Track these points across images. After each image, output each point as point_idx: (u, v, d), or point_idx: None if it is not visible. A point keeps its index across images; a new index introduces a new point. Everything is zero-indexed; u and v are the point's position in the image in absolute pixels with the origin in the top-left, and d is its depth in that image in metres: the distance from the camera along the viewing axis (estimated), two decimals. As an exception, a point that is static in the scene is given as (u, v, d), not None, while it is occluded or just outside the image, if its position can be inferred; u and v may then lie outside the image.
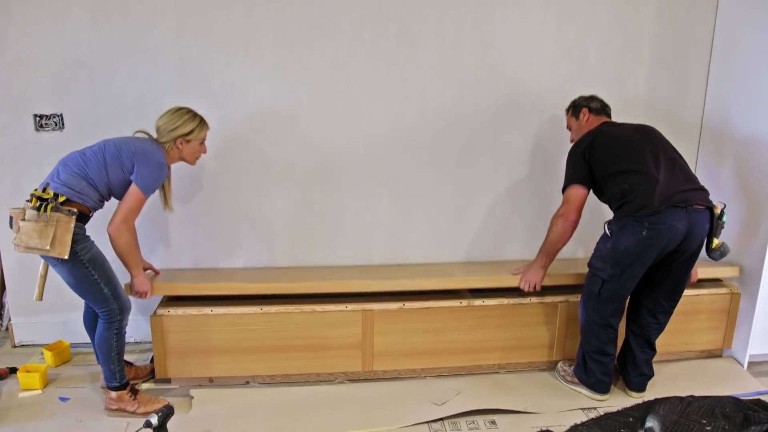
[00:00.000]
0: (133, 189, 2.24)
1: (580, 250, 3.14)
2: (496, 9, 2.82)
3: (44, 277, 2.26)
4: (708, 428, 1.92)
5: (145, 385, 2.60)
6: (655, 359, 2.60)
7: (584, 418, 2.37)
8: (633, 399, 2.55)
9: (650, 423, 1.98)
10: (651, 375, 2.60)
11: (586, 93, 2.97)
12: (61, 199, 2.14)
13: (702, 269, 2.74)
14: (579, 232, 2.54)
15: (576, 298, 2.67)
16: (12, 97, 2.65)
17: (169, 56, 2.69)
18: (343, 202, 2.96)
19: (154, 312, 2.51)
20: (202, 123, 2.38)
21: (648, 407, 2.06)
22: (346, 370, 2.65)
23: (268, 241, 2.96)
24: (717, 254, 2.38)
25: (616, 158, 2.37)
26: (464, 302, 2.65)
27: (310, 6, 2.71)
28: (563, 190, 2.49)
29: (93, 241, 2.24)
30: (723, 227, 2.36)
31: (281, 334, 2.55)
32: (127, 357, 2.58)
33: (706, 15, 2.96)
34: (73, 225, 2.12)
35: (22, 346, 2.94)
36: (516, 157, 3.02)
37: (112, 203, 2.35)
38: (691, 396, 2.09)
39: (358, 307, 2.58)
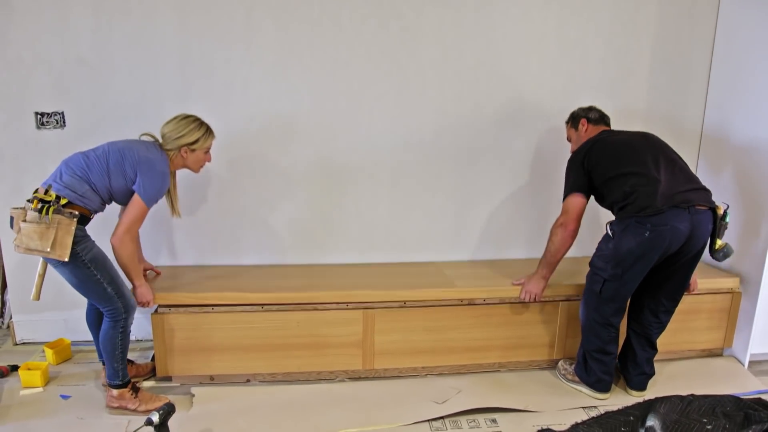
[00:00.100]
0: (136, 200, 2.23)
1: (576, 251, 3.13)
2: (496, 8, 2.82)
3: (42, 276, 2.26)
4: (709, 427, 1.92)
5: (146, 383, 2.60)
6: (656, 358, 2.60)
7: (585, 417, 2.37)
8: (634, 398, 2.55)
9: (651, 422, 1.99)
10: (652, 374, 2.60)
11: (587, 92, 2.98)
12: (63, 201, 2.13)
13: (702, 280, 2.73)
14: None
15: (577, 298, 2.67)
16: (13, 95, 2.65)
17: (170, 54, 2.69)
18: (344, 200, 2.96)
19: (156, 310, 2.52)
20: (208, 132, 2.37)
21: (649, 406, 2.06)
22: (347, 369, 2.65)
23: (268, 239, 2.96)
24: (720, 255, 2.37)
25: (615, 162, 2.37)
26: (465, 301, 2.65)
27: (311, 4, 2.70)
28: (563, 200, 2.50)
29: (94, 241, 2.24)
30: (726, 228, 2.35)
31: (282, 332, 2.55)
32: (128, 355, 2.58)
33: (707, 16, 2.96)
34: (74, 228, 2.12)
35: (24, 343, 2.94)
36: (517, 155, 3.02)
37: (113, 206, 2.35)
38: (692, 395, 2.09)
39: (359, 306, 2.58)
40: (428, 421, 2.36)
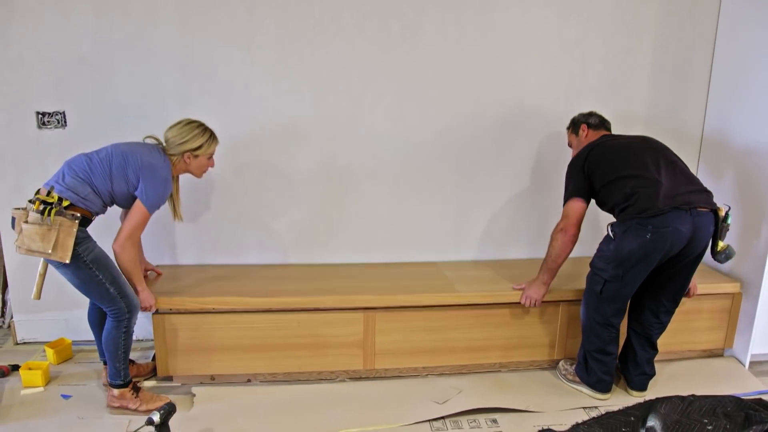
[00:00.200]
0: (138, 206, 2.23)
1: (576, 251, 3.13)
2: (497, 8, 2.81)
3: (43, 275, 2.25)
4: (709, 427, 1.92)
5: (147, 383, 2.60)
6: (656, 358, 2.60)
7: (585, 417, 2.37)
8: (634, 398, 2.55)
9: (651, 422, 1.99)
10: (652, 374, 2.60)
11: (588, 93, 2.98)
12: (65, 203, 2.14)
13: (702, 284, 2.73)
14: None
15: (577, 302, 2.65)
16: (14, 95, 2.65)
17: (171, 54, 2.69)
18: (345, 199, 2.96)
19: (156, 310, 2.51)
20: (212, 138, 2.37)
21: (649, 406, 2.06)
22: (348, 369, 2.65)
23: (269, 238, 2.97)
24: (722, 257, 2.37)
25: (615, 165, 2.37)
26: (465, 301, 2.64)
27: (312, 4, 2.70)
28: (563, 205, 2.50)
29: (95, 242, 2.24)
30: (728, 230, 2.35)
31: (283, 332, 2.55)
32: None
33: (707, 17, 2.96)
34: (75, 230, 2.12)
35: (24, 343, 2.94)
36: (518, 155, 3.02)
37: (114, 207, 2.36)
38: (693, 395, 2.09)
39: (360, 310, 2.57)
40: (429, 421, 2.36)
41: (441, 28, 2.80)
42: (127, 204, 2.29)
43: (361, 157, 2.91)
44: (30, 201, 2.17)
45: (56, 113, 2.70)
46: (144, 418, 2.11)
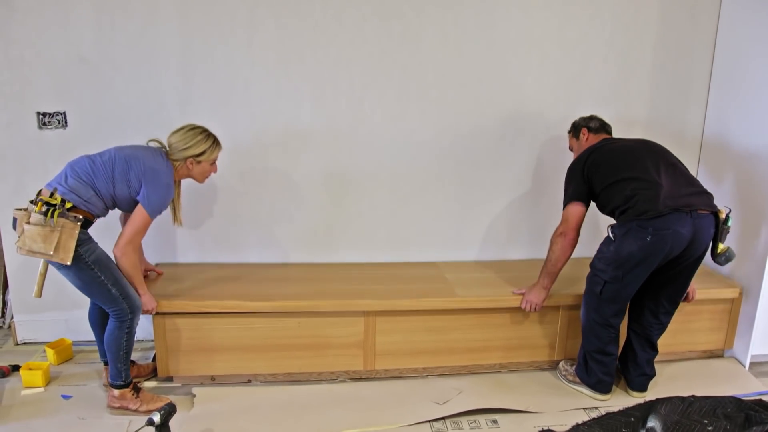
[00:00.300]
0: (140, 211, 2.23)
1: (576, 252, 3.13)
2: (497, 9, 2.82)
3: (44, 275, 2.26)
4: (710, 428, 1.92)
5: (147, 384, 2.60)
6: (656, 359, 2.60)
7: (586, 418, 2.37)
8: (634, 399, 2.55)
9: (652, 423, 1.99)
10: (652, 375, 2.60)
11: (588, 94, 2.98)
12: (68, 205, 2.14)
13: (702, 289, 2.73)
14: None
15: (577, 306, 2.65)
16: (15, 95, 2.65)
17: (171, 54, 2.69)
18: (346, 200, 2.96)
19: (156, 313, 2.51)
20: (215, 144, 2.37)
21: (650, 407, 2.06)
22: (348, 369, 2.65)
23: (270, 237, 2.97)
24: (722, 259, 2.37)
25: (615, 168, 2.37)
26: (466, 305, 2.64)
27: (313, 4, 2.70)
28: (563, 208, 2.50)
29: (96, 243, 2.24)
30: (728, 232, 2.35)
31: (283, 333, 2.55)
32: (129, 355, 2.59)
33: (707, 19, 2.96)
34: (77, 231, 2.12)
35: (25, 343, 2.94)
36: (518, 155, 3.03)
37: (115, 211, 2.36)
38: (693, 396, 2.09)
39: (360, 315, 2.57)
40: (429, 421, 2.37)
41: (441, 28, 2.81)
42: (128, 207, 2.29)
43: (362, 158, 2.92)
44: (32, 202, 2.17)
45: (57, 113, 2.70)
46: (144, 419, 2.11)
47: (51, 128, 2.71)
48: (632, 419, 2.03)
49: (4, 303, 3.10)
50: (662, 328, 2.54)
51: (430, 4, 2.77)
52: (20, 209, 2.17)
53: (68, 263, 2.11)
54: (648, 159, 2.36)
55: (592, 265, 2.47)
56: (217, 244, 2.95)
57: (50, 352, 2.74)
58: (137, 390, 2.39)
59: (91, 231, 2.25)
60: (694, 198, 2.29)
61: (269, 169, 2.88)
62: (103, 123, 2.72)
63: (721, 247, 2.36)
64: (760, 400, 2.10)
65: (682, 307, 2.66)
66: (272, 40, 2.73)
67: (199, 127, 2.35)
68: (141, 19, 2.63)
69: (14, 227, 2.18)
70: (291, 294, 2.58)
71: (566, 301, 2.67)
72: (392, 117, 2.88)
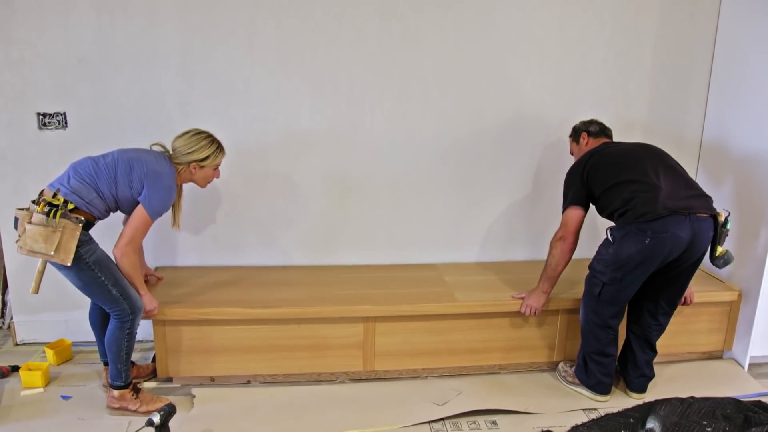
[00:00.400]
0: (140, 212, 2.24)
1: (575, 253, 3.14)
2: (497, 9, 2.82)
3: (42, 272, 2.25)
4: (709, 429, 1.92)
5: (147, 384, 2.60)
6: (655, 360, 2.61)
7: (585, 419, 2.37)
8: (634, 400, 2.55)
9: (651, 424, 1.99)
10: (652, 376, 2.60)
11: (588, 95, 2.98)
12: (70, 206, 2.14)
13: (701, 292, 2.73)
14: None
15: (576, 307, 2.65)
16: (15, 95, 2.65)
17: (171, 54, 2.69)
18: (346, 201, 2.97)
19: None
20: (219, 149, 2.38)
21: (649, 408, 2.07)
22: (348, 370, 2.66)
23: (271, 240, 2.97)
24: (721, 262, 2.38)
25: (614, 171, 2.38)
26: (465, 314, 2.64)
27: (313, 4, 2.71)
28: (562, 212, 2.51)
29: (97, 244, 2.24)
30: (727, 235, 2.36)
31: (283, 334, 2.55)
32: (129, 356, 2.59)
33: (707, 19, 2.96)
34: (79, 233, 2.12)
35: (24, 344, 2.94)
36: (518, 156, 3.03)
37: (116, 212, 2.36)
38: (692, 397, 2.10)
39: (360, 320, 2.58)
40: (429, 422, 2.37)
41: (441, 29, 2.81)
42: (130, 210, 2.29)
43: (362, 158, 2.92)
44: (34, 202, 2.17)
45: (57, 114, 2.70)
46: (144, 419, 2.11)
47: (51, 129, 2.71)
48: (631, 420, 2.03)
49: (4, 303, 3.10)
50: (661, 329, 2.55)
51: (430, 4, 2.77)
52: (22, 209, 2.17)
53: (68, 264, 2.11)
54: (647, 162, 2.37)
55: (591, 267, 2.47)
56: (217, 247, 2.95)
57: (50, 353, 2.74)
58: (137, 391, 2.39)
59: (91, 232, 2.25)
60: (693, 201, 2.30)
61: (269, 170, 2.88)
62: (103, 123, 2.72)
63: (719, 250, 2.36)
64: (759, 401, 2.11)
65: (682, 309, 2.66)
66: (272, 41, 2.73)
67: (203, 132, 2.36)
68: (141, 20, 2.64)
69: (15, 227, 2.18)
70: (291, 300, 2.58)
71: (565, 305, 2.68)
72: (392, 118, 2.89)
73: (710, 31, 2.97)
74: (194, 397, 2.50)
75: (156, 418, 2.04)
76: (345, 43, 2.77)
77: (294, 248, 3.00)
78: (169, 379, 2.61)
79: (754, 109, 2.74)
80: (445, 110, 2.91)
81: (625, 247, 2.29)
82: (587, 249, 2.67)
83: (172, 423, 2.14)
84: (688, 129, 3.10)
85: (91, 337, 2.55)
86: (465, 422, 2.38)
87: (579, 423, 2.13)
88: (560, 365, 2.75)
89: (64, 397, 2.48)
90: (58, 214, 2.10)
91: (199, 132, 2.35)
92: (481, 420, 2.40)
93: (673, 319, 2.56)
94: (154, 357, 2.63)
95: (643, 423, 2.01)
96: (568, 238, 2.46)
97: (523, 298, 2.62)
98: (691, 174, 3.07)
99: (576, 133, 2.68)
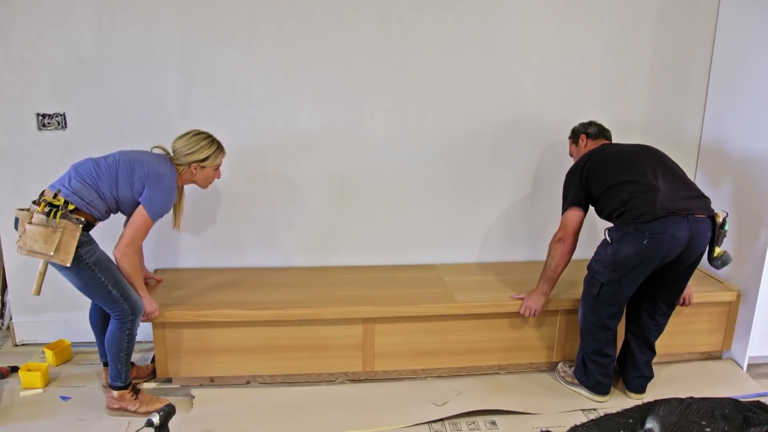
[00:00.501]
0: (141, 213, 2.24)
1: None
2: (497, 9, 2.82)
3: (43, 274, 2.26)
4: (707, 429, 1.92)
5: (146, 385, 2.60)
6: (654, 361, 2.61)
7: (584, 419, 2.37)
8: (633, 400, 2.55)
9: (650, 424, 1.99)
10: (651, 376, 2.61)
11: (587, 96, 2.99)
12: (71, 207, 2.14)
13: (701, 293, 2.73)
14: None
15: (575, 308, 2.66)
16: (15, 96, 2.65)
17: (172, 55, 2.69)
18: (346, 202, 2.97)
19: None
20: (219, 150, 2.38)
21: (648, 408, 2.07)
22: (347, 371, 2.66)
23: (271, 241, 2.97)
24: (719, 263, 2.38)
25: (613, 172, 2.38)
26: (465, 315, 2.64)
27: (313, 5, 2.71)
28: (562, 214, 2.51)
29: (97, 245, 2.25)
30: (725, 236, 2.36)
31: (282, 334, 2.56)
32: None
33: (706, 20, 2.96)
34: (79, 233, 2.13)
35: (24, 345, 2.94)
36: (518, 156, 3.03)
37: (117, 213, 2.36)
38: (691, 397, 2.10)
39: (359, 321, 2.58)
40: (428, 423, 2.37)
41: (441, 30, 2.81)
42: (131, 211, 2.29)
43: (362, 159, 2.92)
44: (34, 202, 2.17)
45: (56, 115, 2.70)
46: (143, 420, 2.10)
47: (51, 129, 2.71)
48: (630, 421, 2.04)
49: (3, 304, 3.10)
50: (659, 329, 2.55)
51: (429, 5, 2.78)
52: (23, 209, 2.18)
53: (68, 265, 2.11)
54: (645, 163, 2.37)
55: (589, 267, 2.47)
56: (217, 248, 2.95)
57: (49, 354, 2.74)
58: (136, 391, 2.39)
59: (91, 233, 2.25)
60: (691, 202, 2.30)
61: (269, 171, 2.88)
62: (102, 124, 2.72)
63: (717, 250, 2.37)
64: (758, 401, 2.11)
65: (681, 309, 2.67)
66: (272, 41, 2.73)
67: (203, 133, 2.36)
68: (141, 20, 2.64)
69: (16, 227, 2.18)
70: (290, 301, 2.58)
71: (565, 305, 2.68)
72: (392, 118, 2.89)
73: (709, 32, 2.98)
74: (194, 397, 2.50)
75: (155, 419, 2.04)
76: (345, 43, 2.77)
77: (294, 249, 3.00)
78: (169, 380, 2.61)
79: (753, 110, 2.75)
80: (445, 110, 2.91)
81: (623, 247, 2.29)
82: (587, 250, 2.67)
83: (172, 423, 2.14)
84: (687, 129, 3.10)
85: (91, 337, 2.55)
86: (464, 422, 2.39)
87: (578, 423, 2.13)
88: (559, 366, 2.75)
89: (64, 398, 2.48)
90: (59, 214, 2.10)
91: (199, 133, 2.36)
92: (481, 420, 2.40)
93: (671, 320, 2.57)
94: (153, 357, 2.63)
95: (642, 423, 2.01)
96: (568, 239, 2.46)
97: (522, 299, 2.62)
98: (690, 175, 3.08)
99: (575, 135, 2.69)
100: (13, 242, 2.22)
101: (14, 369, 2.64)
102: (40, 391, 2.53)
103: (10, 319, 2.95)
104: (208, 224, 2.91)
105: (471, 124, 2.95)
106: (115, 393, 2.35)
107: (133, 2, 2.61)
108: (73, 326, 2.88)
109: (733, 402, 2.07)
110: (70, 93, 2.68)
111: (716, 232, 2.34)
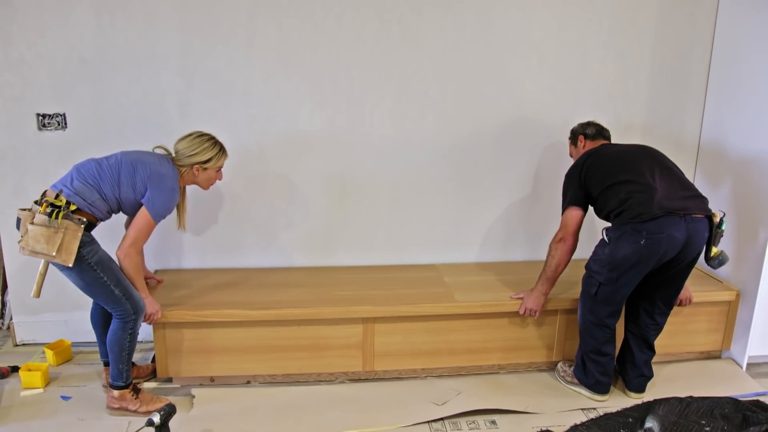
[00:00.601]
0: (144, 214, 2.24)
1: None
2: (496, 10, 2.82)
3: (43, 275, 2.26)
4: (707, 429, 1.92)
5: (147, 385, 2.61)
6: (654, 360, 2.62)
7: (584, 419, 2.38)
8: (632, 399, 2.56)
9: (649, 423, 1.99)
10: (650, 376, 2.61)
11: (586, 96, 2.99)
12: (73, 207, 2.15)
13: (700, 292, 2.74)
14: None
15: (575, 308, 2.66)
16: (15, 96, 2.65)
17: (172, 55, 2.69)
18: (346, 202, 2.97)
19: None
20: (221, 152, 2.39)
21: (647, 408, 2.07)
22: (347, 370, 2.66)
23: (271, 242, 2.97)
24: (716, 263, 2.39)
25: (611, 171, 2.39)
26: (464, 315, 2.65)
27: (313, 5, 2.71)
28: (561, 214, 2.51)
29: (99, 245, 2.25)
30: (722, 236, 2.37)
31: (282, 334, 2.56)
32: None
33: (706, 20, 2.97)
34: (81, 234, 2.13)
35: (24, 344, 2.94)
36: (518, 156, 3.03)
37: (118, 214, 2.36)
38: (690, 397, 2.10)
39: (359, 321, 2.58)
40: (428, 422, 2.37)
41: (441, 30, 2.81)
42: (133, 212, 2.30)
43: (361, 159, 2.92)
44: (36, 202, 2.17)
45: (56, 115, 2.70)
46: (144, 420, 2.11)
47: (51, 129, 2.71)
48: (630, 420, 2.04)
49: (4, 304, 3.10)
50: (658, 328, 2.55)
51: (429, 5, 2.78)
52: (24, 209, 2.18)
53: (70, 265, 2.11)
54: (643, 162, 2.38)
55: (587, 267, 2.48)
56: (217, 249, 2.95)
57: (49, 353, 2.74)
58: (137, 391, 2.39)
59: (93, 234, 2.25)
60: (689, 201, 2.31)
61: (269, 171, 2.89)
62: (102, 124, 2.72)
63: (714, 250, 2.38)
64: (758, 400, 2.11)
65: (680, 309, 2.67)
66: (272, 41, 2.73)
67: (206, 135, 2.37)
68: (141, 20, 2.64)
69: (17, 227, 2.18)
70: (290, 301, 2.58)
71: (564, 305, 2.68)
72: (392, 118, 2.89)
73: (708, 32, 2.98)
74: (194, 397, 2.50)
75: (156, 418, 2.04)
76: (345, 43, 2.77)
77: (294, 249, 3.00)
78: (169, 380, 2.62)
79: (752, 110, 2.75)
80: (445, 110, 2.92)
81: (620, 247, 2.30)
82: (586, 250, 2.68)
83: (172, 423, 2.14)
84: (687, 129, 3.11)
85: (91, 337, 2.56)
86: (464, 422, 2.39)
87: (578, 422, 2.12)
88: (559, 365, 2.75)
89: (64, 398, 2.49)
90: (61, 215, 2.10)
91: (202, 134, 2.36)
92: (481, 420, 2.41)
93: (671, 319, 2.57)
94: (153, 357, 2.63)
95: (642, 422, 2.01)
96: (568, 239, 2.47)
97: (521, 299, 2.63)
98: (689, 174, 3.08)
99: (574, 136, 2.70)
100: (14, 242, 2.23)
101: (15, 369, 2.65)
102: (41, 390, 2.53)
103: (11, 319, 2.95)
104: (209, 224, 2.92)
105: (471, 124, 2.95)
106: (116, 392, 2.35)
107: (133, 2, 2.62)
108: (74, 326, 2.88)
109: (732, 401, 2.07)
110: (70, 93, 2.68)
111: (713, 231, 2.34)
